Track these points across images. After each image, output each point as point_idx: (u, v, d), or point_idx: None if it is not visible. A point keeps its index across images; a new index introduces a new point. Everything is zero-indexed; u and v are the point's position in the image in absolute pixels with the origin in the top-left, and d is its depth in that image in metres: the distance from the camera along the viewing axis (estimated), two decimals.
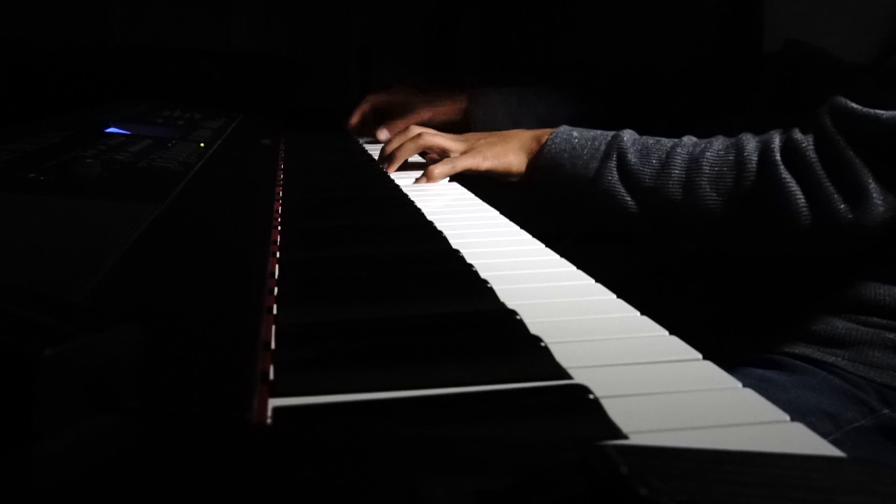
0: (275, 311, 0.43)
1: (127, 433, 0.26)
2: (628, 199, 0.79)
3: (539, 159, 0.85)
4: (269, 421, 0.31)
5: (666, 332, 0.42)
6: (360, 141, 1.29)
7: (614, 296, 0.49)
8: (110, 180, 0.65)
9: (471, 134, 0.96)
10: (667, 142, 0.79)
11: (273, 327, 0.39)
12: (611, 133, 0.82)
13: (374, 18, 2.17)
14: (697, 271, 0.96)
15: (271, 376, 0.34)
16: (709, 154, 0.75)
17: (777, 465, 0.25)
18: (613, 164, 0.79)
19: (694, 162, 0.76)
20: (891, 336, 0.76)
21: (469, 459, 0.25)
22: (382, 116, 1.30)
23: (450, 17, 2.19)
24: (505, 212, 0.75)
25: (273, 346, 0.38)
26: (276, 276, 0.49)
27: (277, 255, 0.55)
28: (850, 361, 0.77)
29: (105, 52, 1.72)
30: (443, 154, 0.93)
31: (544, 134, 0.86)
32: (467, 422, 0.32)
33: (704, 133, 0.80)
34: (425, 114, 1.22)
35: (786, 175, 0.70)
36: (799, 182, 0.70)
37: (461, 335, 0.41)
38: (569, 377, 0.36)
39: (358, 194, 0.84)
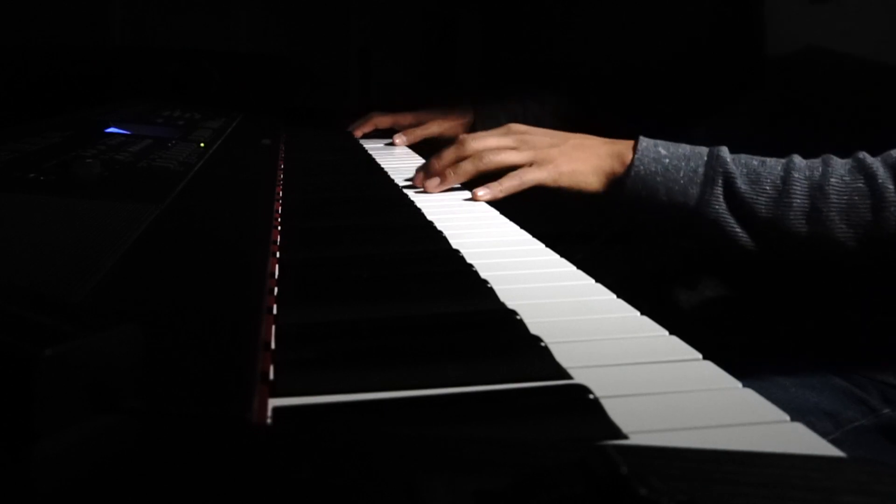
0: (275, 311, 0.43)
1: (127, 433, 0.26)
2: (739, 230, 0.70)
3: (627, 183, 0.74)
4: (269, 421, 0.31)
5: (666, 332, 0.42)
6: (360, 141, 1.29)
7: (614, 296, 0.49)
8: (110, 180, 0.65)
9: (537, 133, 0.83)
10: (774, 163, 0.71)
11: (273, 327, 0.39)
12: (703, 149, 0.73)
13: (374, 18, 2.17)
14: (698, 271, 0.96)
15: (271, 376, 0.34)
16: (833, 180, 0.67)
17: (777, 465, 0.25)
18: (720, 190, 0.70)
19: (817, 189, 0.68)
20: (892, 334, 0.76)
21: (469, 459, 0.25)
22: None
23: (450, 17, 2.19)
24: (505, 212, 0.75)
25: (273, 346, 0.38)
26: (276, 276, 0.49)
27: (277, 255, 0.55)
28: (851, 359, 0.77)
29: (105, 52, 1.72)
30: (505, 169, 0.80)
31: (625, 151, 0.76)
32: (467, 422, 0.32)
33: (706, 134, 0.79)
34: (435, 129, 1.22)
35: None
36: None
37: (461, 335, 0.41)
38: (569, 377, 0.36)
39: (358, 194, 0.84)
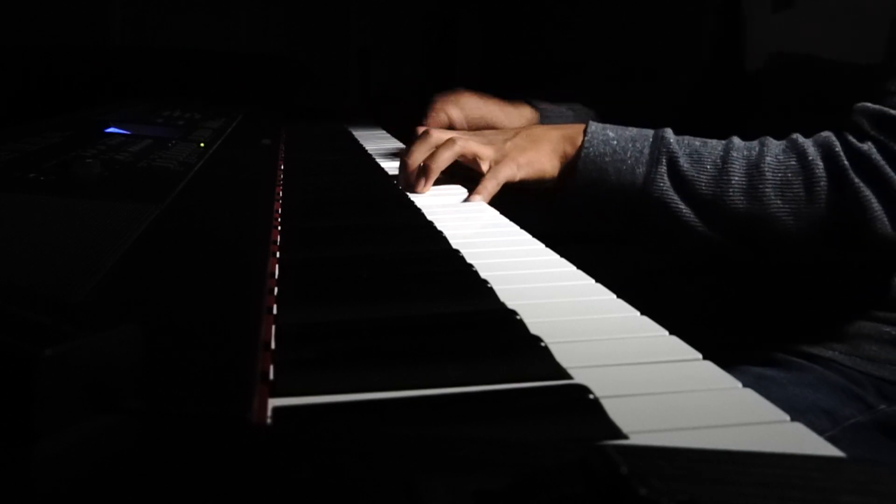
0: (275, 311, 0.43)
1: (127, 433, 0.26)
2: (683, 207, 0.73)
3: (577, 164, 0.76)
4: (269, 421, 0.31)
5: (666, 332, 0.42)
6: (360, 140, 1.29)
7: (614, 296, 0.49)
8: (110, 180, 0.65)
9: (488, 133, 0.86)
10: (716, 143, 0.74)
11: (273, 327, 0.39)
12: (648, 132, 0.76)
13: (374, 18, 2.18)
14: (697, 271, 0.96)
15: (271, 376, 0.34)
16: (769, 159, 0.71)
17: (777, 465, 0.25)
18: (664, 169, 0.73)
19: (754, 167, 0.71)
20: (888, 329, 0.77)
21: (469, 459, 0.25)
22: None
23: (450, 17, 2.20)
24: (505, 212, 0.75)
25: (273, 346, 0.38)
26: (276, 276, 0.49)
27: (277, 255, 0.55)
28: (848, 355, 0.77)
29: (105, 52, 1.72)
30: (474, 160, 0.82)
31: (576, 134, 0.78)
32: (467, 422, 0.32)
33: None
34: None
35: (857, 181, 0.68)
36: (871, 187, 0.68)
37: (461, 335, 0.41)
38: (569, 377, 0.36)
39: (358, 194, 0.84)
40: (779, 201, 0.70)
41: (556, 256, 0.59)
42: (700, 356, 0.39)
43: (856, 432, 0.72)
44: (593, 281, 0.52)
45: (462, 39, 2.18)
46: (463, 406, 0.33)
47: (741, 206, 0.71)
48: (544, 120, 1.04)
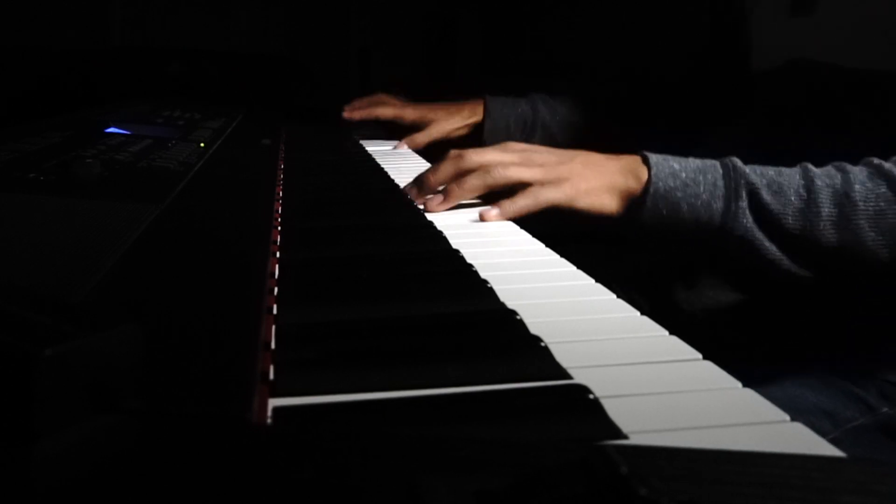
0: (275, 311, 0.43)
1: (127, 433, 0.26)
2: (768, 243, 0.68)
3: (647, 201, 0.69)
4: (269, 421, 0.31)
5: (666, 332, 0.42)
6: (360, 141, 1.29)
7: (614, 296, 0.49)
8: (110, 180, 0.65)
9: (541, 151, 0.77)
10: (791, 172, 0.68)
11: (273, 327, 0.39)
12: (716, 162, 0.70)
13: (374, 18, 2.17)
14: (697, 271, 0.96)
15: (271, 376, 0.34)
16: (857, 186, 0.66)
17: (777, 465, 0.25)
18: (744, 204, 0.67)
19: (843, 197, 0.66)
20: (892, 329, 0.76)
21: (469, 459, 0.25)
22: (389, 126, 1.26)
23: (450, 17, 2.19)
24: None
25: (273, 346, 0.38)
26: (276, 276, 0.49)
27: (277, 255, 0.55)
28: (850, 357, 0.77)
29: (105, 52, 1.72)
30: (520, 184, 0.73)
31: (637, 167, 0.71)
32: (467, 422, 0.32)
33: (711, 145, 0.78)
34: (441, 130, 1.17)
35: None
36: None
37: (461, 335, 0.41)
38: (569, 377, 0.36)
39: (358, 194, 0.84)
40: (873, 233, 0.65)
41: (556, 256, 0.59)
42: (700, 356, 0.39)
43: (857, 434, 0.72)
44: (593, 281, 0.52)
45: (462, 39, 2.18)
46: (463, 406, 0.33)
47: (833, 239, 0.66)
48: (486, 119, 1.05)
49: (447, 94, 1.25)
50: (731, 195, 0.68)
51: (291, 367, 0.35)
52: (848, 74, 0.78)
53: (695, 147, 0.76)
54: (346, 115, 1.29)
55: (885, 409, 0.74)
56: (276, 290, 0.46)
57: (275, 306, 0.43)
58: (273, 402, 0.32)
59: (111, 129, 0.97)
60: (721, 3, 0.97)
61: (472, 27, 2.19)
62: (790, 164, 0.70)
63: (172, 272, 0.45)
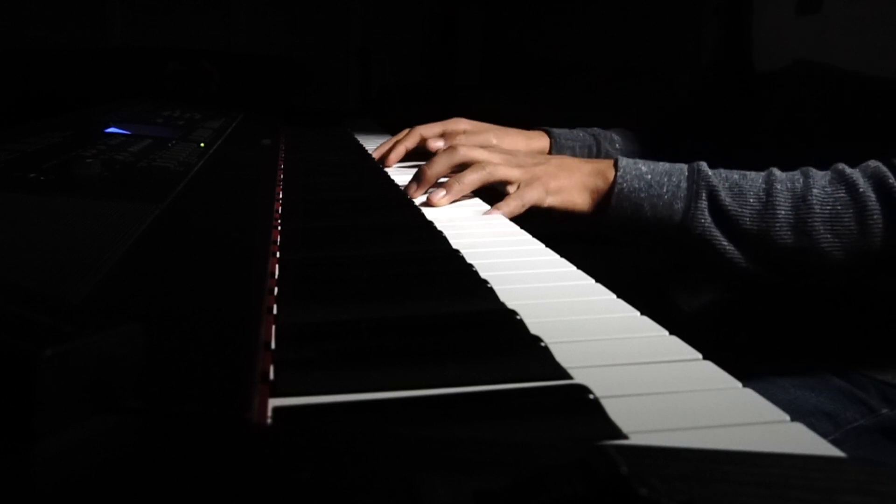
0: (275, 311, 0.43)
1: (127, 433, 0.26)
2: (726, 243, 0.70)
3: (612, 200, 0.74)
4: (269, 421, 0.31)
5: (666, 332, 0.42)
6: (360, 140, 1.29)
7: (614, 296, 0.49)
8: (110, 180, 0.65)
9: (518, 154, 0.83)
10: (755, 176, 0.71)
11: (273, 327, 0.39)
12: (682, 165, 0.74)
13: (374, 18, 2.18)
14: (697, 271, 0.96)
15: (271, 376, 0.34)
16: (815, 191, 0.68)
17: (777, 465, 0.25)
18: (704, 204, 0.71)
19: (800, 200, 0.68)
20: (893, 332, 0.76)
21: (469, 459, 0.25)
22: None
23: (450, 17, 2.20)
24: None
25: (273, 346, 0.38)
26: (276, 276, 0.49)
27: (277, 255, 0.55)
28: (851, 358, 0.77)
29: (105, 52, 1.72)
30: (502, 183, 0.78)
31: (607, 168, 0.75)
32: (467, 422, 0.32)
33: (719, 154, 0.78)
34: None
35: None
36: None
37: (461, 335, 0.41)
38: (569, 377, 0.36)
39: (358, 194, 0.84)
40: (829, 236, 0.67)
41: (556, 256, 0.59)
42: (700, 356, 0.39)
43: (858, 436, 0.72)
44: (593, 281, 0.52)
45: (462, 39, 2.18)
46: (463, 406, 0.33)
47: (788, 240, 0.69)
48: (557, 147, 1.00)
49: (447, 94, 1.23)
50: (692, 196, 0.71)
51: (291, 367, 0.35)
52: (851, 77, 0.78)
53: (721, 160, 0.75)
54: (388, 163, 1.04)
55: (885, 411, 0.74)
56: (276, 290, 0.46)
57: (275, 306, 0.43)
58: (273, 402, 0.32)
59: (111, 129, 0.97)
60: (727, 2, 0.97)
61: (473, 27, 2.19)
62: (795, 167, 0.71)
63: (172, 272, 0.45)
